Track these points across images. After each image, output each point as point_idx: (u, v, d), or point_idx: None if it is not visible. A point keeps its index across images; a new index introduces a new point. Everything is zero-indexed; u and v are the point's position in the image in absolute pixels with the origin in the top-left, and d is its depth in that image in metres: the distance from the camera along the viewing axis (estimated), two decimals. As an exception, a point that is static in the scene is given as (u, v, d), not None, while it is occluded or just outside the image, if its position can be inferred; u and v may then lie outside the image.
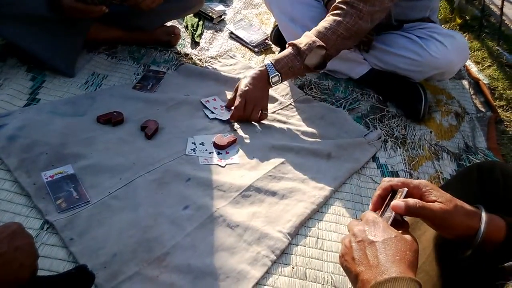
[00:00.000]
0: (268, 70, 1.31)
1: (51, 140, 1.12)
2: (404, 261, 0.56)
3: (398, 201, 0.63)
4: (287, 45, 1.35)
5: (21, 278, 0.65)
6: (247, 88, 1.30)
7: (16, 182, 1.02)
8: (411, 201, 0.63)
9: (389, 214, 0.64)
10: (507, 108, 1.67)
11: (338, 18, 1.30)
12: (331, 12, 1.34)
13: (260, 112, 1.33)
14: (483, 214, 0.63)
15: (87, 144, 1.14)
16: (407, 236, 0.60)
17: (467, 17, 2.34)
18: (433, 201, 0.63)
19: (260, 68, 1.33)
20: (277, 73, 1.30)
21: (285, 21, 1.59)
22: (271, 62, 1.31)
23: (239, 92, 1.31)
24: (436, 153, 1.37)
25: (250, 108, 1.30)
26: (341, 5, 1.32)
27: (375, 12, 1.31)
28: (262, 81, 1.31)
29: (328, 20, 1.32)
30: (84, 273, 0.78)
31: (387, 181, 0.69)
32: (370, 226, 0.61)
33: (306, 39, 1.31)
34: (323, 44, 1.29)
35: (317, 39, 1.29)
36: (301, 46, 1.29)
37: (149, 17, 1.51)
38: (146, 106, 1.32)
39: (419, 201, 0.63)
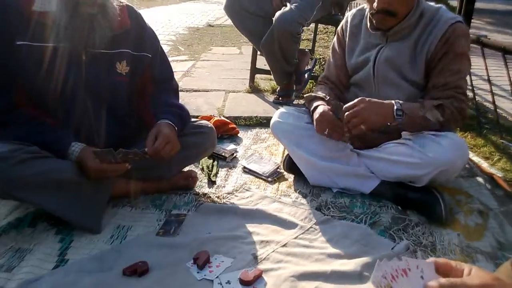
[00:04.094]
0: (394, 104, 1.48)
1: (80, 300, 1.12)
2: None
3: (432, 282, 0.63)
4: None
5: None
6: (369, 102, 1.45)
7: None
8: (442, 279, 0.62)
9: None
10: (529, 196, 1.65)
11: (453, 104, 1.52)
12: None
13: (361, 127, 1.46)
14: None
15: (115, 299, 1.14)
16: None
17: (464, 117, 2.45)
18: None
19: (388, 101, 1.50)
20: (401, 109, 1.48)
21: (292, 147, 1.73)
22: (399, 102, 1.49)
23: (360, 99, 1.43)
24: (470, 255, 1.32)
25: (359, 120, 1.44)
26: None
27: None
28: (385, 107, 1.48)
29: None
30: None
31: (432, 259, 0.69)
32: None
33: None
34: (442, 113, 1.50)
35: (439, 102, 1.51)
36: (425, 103, 1.52)
37: (168, 166, 1.63)
38: (170, 251, 1.34)
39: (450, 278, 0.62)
